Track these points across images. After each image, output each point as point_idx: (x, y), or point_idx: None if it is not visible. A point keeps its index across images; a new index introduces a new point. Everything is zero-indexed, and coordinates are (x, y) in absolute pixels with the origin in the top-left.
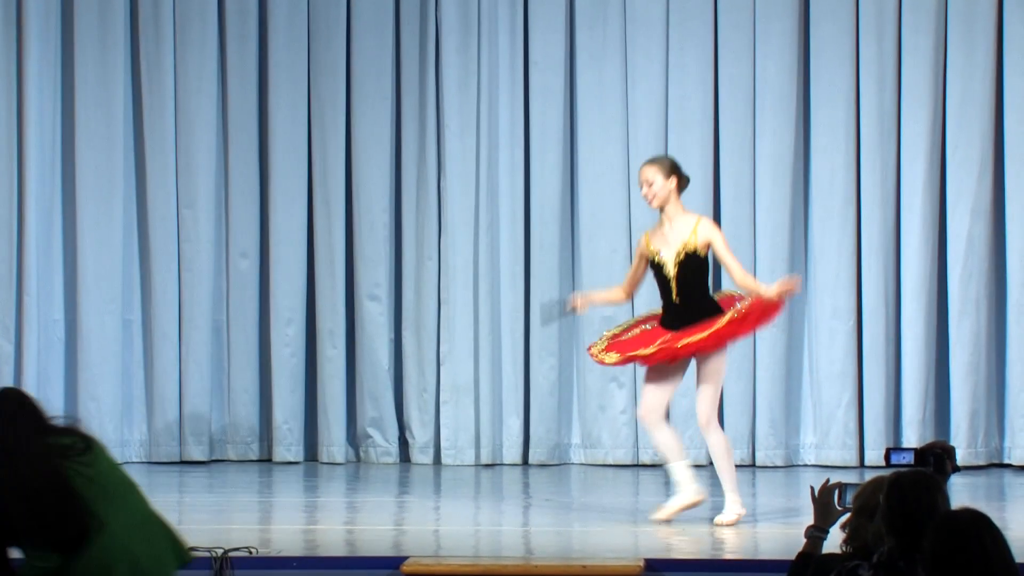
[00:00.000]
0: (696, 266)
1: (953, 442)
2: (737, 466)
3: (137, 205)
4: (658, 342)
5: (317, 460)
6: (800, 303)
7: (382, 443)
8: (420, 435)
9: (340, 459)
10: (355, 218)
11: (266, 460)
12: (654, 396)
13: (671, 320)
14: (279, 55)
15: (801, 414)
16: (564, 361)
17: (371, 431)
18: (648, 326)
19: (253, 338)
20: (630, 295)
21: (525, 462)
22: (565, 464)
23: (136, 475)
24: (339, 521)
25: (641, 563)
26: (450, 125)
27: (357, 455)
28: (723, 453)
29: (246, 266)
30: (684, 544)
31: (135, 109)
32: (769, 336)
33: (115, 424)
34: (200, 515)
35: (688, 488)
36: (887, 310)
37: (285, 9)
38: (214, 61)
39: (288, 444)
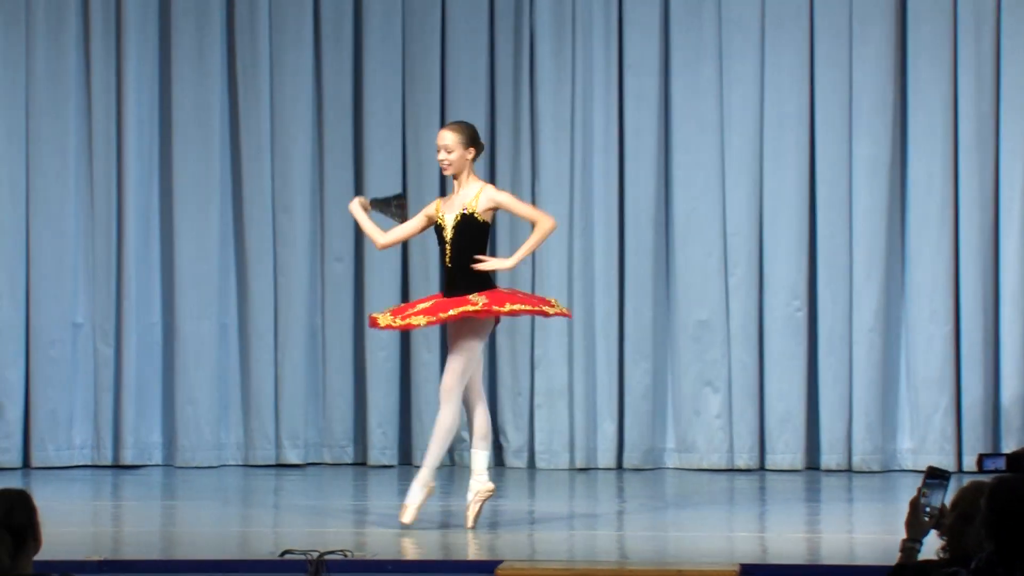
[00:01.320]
0: (473, 231)
1: None
2: (832, 471)
3: (233, 209)
4: (419, 307)
5: (411, 464)
6: (897, 307)
7: None
8: (514, 439)
9: None
10: None
11: (361, 464)
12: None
13: (445, 286)
14: (374, 59)
15: (898, 419)
16: (658, 365)
17: (465, 435)
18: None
19: (348, 342)
20: (386, 246)
21: (619, 466)
22: (659, 468)
23: (232, 478)
24: (434, 525)
25: (736, 568)
26: (544, 129)
27: (451, 459)
28: (442, 431)
29: (341, 270)
30: (780, 549)
31: (231, 114)
32: (866, 340)
33: (212, 427)
34: (295, 518)
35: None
36: (985, 314)
37: (380, 13)
38: (309, 65)
39: (383, 448)
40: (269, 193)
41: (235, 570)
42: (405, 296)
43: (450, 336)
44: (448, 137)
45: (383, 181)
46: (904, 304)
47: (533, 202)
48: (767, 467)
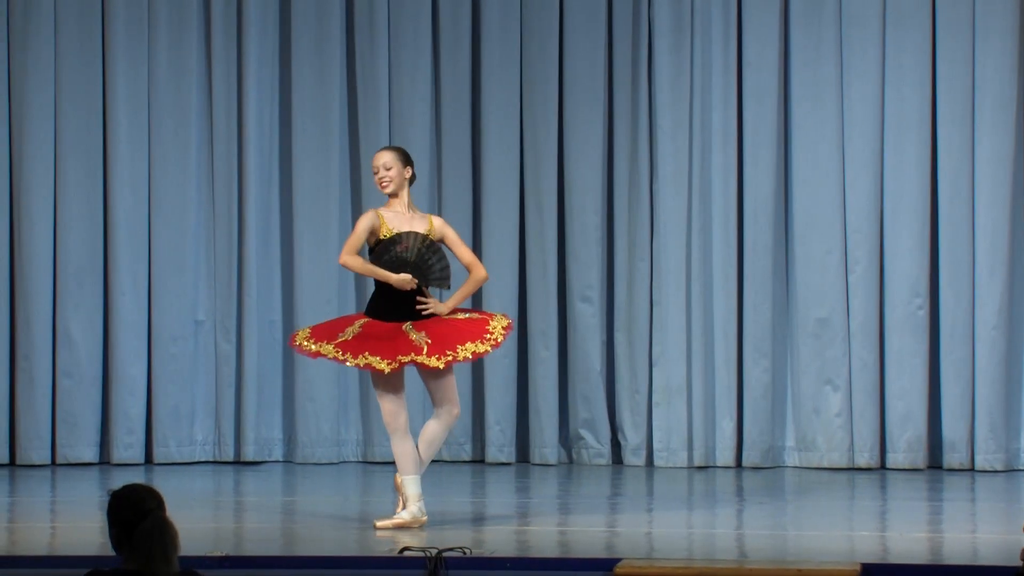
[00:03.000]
0: None
1: None
2: (955, 470)
3: (352, 208)
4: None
5: (529, 461)
6: (1020, 305)
7: (594, 444)
8: (632, 437)
9: (552, 460)
10: (567, 219)
11: (479, 461)
12: (401, 401)
13: (384, 308)
14: (491, 57)
15: (1022, 418)
16: (777, 363)
17: (583, 432)
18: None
19: None
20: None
21: (738, 464)
22: (779, 467)
23: (351, 475)
24: (551, 522)
25: (858, 567)
26: (662, 125)
27: (569, 456)
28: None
29: (459, 268)
30: (901, 548)
31: (350, 114)
32: (988, 338)
33: (331, 424)
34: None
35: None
36: None
37: (497, 12)
38: (428, 64)
39: (500, 445)
40: None
41: (355, 567)
42: (522, 294)
43: (433, 375)
44: (387, 157)
45: (500, 179)
46: None
47: (651, 199)
48: (888, 466)
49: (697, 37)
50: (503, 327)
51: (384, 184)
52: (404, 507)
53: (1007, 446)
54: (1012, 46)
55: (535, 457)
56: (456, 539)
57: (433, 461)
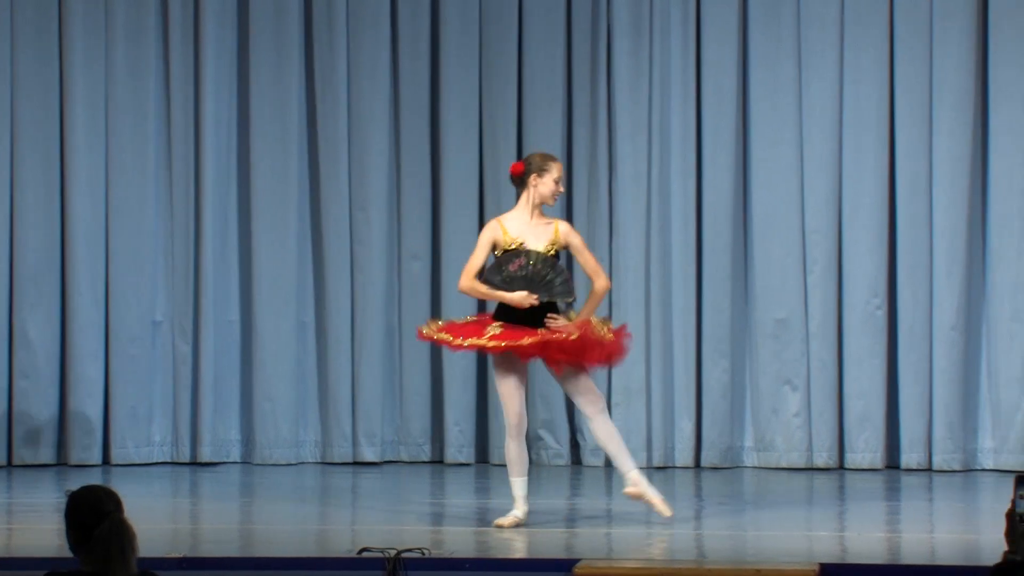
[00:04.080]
0: None
1: None
2: (912, 470)
3: (310, 208)
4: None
5: (488, 462)
6: (978, 305)
7: (553, 445)
8: (591, 437)
9: None
10: None
11: (437, 462)
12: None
13: (523, 316)
14: (451, 57)
15: (979, 418)
16: (736, 364)
17: (542, 433)
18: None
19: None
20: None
21: (697, 465)
22: (737, 467)
23: (309, 476)
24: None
25: (816, 567)
26: (621, 126)
27: (528, 457)
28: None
29: (418, 268)
30: (859, 548)
31: (308, 114)
32: (946, 338)
33: (289, 425)
34: (373, 516)
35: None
36: None
37: (457, 13)
38: (386, 65)
39: (459, 446)
40: (346, 192)
41: (313, 568)
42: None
43: (571, 371)
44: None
45: (459, 180)
46: (985, 302)
47: (610, 200)
48: (846, 466)
49: (656, 38)
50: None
51: (554, 199)
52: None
53: (964, 446)
54: (969, 46)
55: (494, 457)
56: (415, 540)
57: (391, 462)
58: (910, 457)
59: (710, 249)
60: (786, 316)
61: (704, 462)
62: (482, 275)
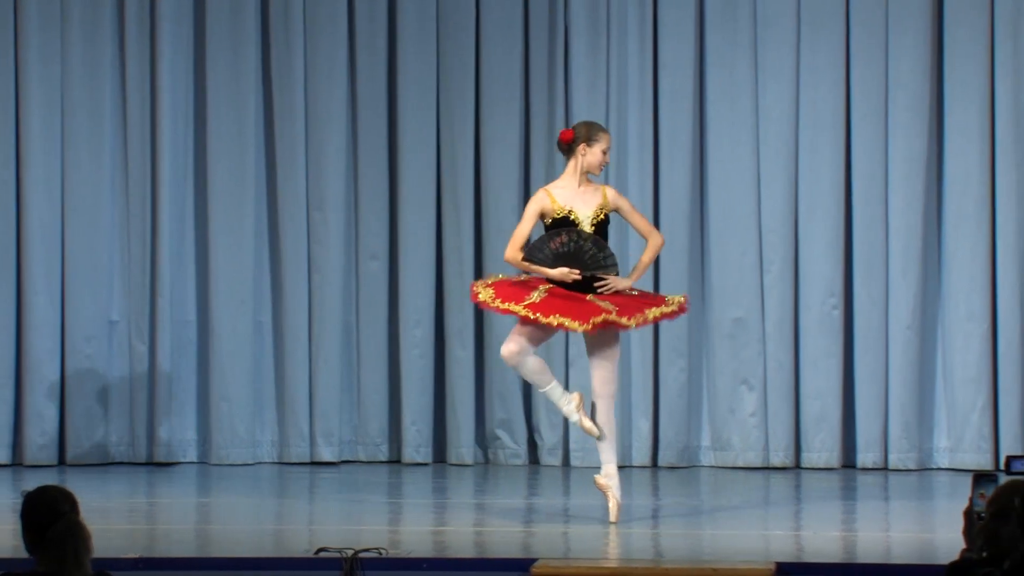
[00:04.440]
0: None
1: None
2: (868, 469)
3: (268, 208)
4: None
5: (445, 462)
6: (934, 306)
7: (511, 445)
8: (549, 437)
9: (469, 460)
10: (484, 218)
11: (395, 461)
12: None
13: (576, 283)
14: (408, 57)
15: (935, 417)
16: (693, 363)
17: (500, 432)
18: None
19: (382, 339)
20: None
21: (654, 464)
22: (694, 467)
23: (266, 476)
24: (468, 523)
25: (772, 566)
26: None
27: (486, 457)
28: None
29: (375, 268)
30: (816, 547)
31: (265, 113)
32: (902, 338)
33: (246, 425)
34: (330, 516)
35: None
36: (1022, 313)
37: (414, 12)
38: (344, 64)
39: (417, 445)
40: (303, 191)
41: (270, 568)
42: (439, 294)
43: (596, 340)
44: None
45: (417, 180)
46: (941, 302)
47: None
48: (803, 465)
49: (613, 38)
50: (681, 298)
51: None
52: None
53: (920, 445)
54: (925, 47)
55: (452, 457)
56: (372, 539)
57: (348, 461)
58: (866, 456)
59: (667, 249)
60: (743, 316)
61: (661, 461)
62: (527, 245)
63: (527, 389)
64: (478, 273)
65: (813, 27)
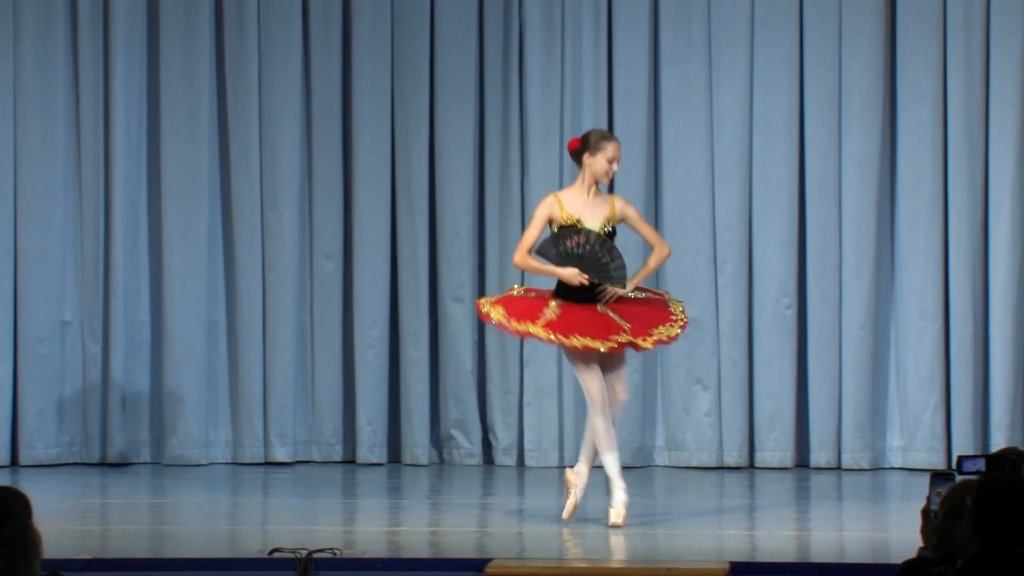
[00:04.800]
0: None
1: None
2: (822, 469)
3: (222, 207)
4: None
5: (400, 462)
6: (887, 305)
7: (465, 445)
8: (503, 437)
9: (423, 461)
10: (438, 220)
11: (350, 462)
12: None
13: (581, 292)
14: (363, 57)
15: (888, 417)
16: (648, 363)
17: (454, 433)
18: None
19: (337, 340)
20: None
21: None
22: (649, 466)
23: (220, 476)
24: (423, 523)
25: (726, 566)
26: (533, 126)
27: (440, 457)
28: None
29: (330, 268)
30: (769, 547)
31: (220, 112)
32: (855, 338)
33: (200, 425)
34: (284, 516)
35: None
36: (975, 312)
37: (368, 12)
38: (298, 64)
39: (371, 446)
40: (257, 191)
41: (224, 568)
42: (394, 294)
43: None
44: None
45: (371, 180)
46: (894, 302)
47: (522, 200)
48: (756, 465)
49: (568, 37)
50: (682, 310)
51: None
52: (610, 491)
53: (873, 445)
54: (878, 47)
55: (406, 457)
56: (327, 540)
57: (303, 462)
58: (819, 456)
59: (622, 248)
60: (697, 315)
61: None
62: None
63: (482, 389)
64: (433, 273)
65: (766, 27)
